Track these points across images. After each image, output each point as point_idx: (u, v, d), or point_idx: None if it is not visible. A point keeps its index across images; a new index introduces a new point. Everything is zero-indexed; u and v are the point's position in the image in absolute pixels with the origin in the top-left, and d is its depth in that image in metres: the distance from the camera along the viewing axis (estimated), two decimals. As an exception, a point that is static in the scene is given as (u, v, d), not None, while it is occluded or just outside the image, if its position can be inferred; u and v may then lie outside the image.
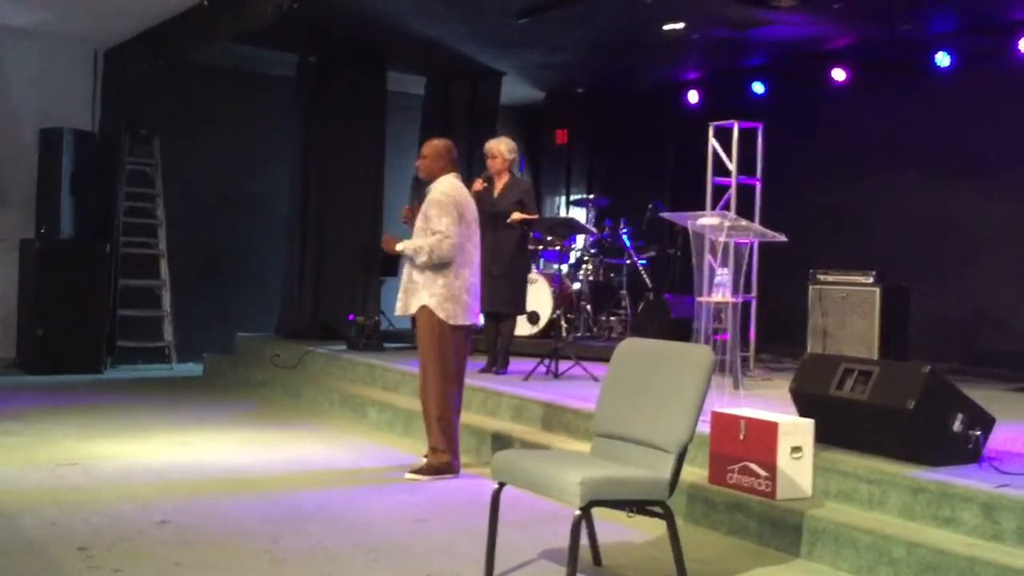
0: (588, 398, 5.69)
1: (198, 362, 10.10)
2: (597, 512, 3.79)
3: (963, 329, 8.24)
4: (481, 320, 6.74)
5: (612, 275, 9.63)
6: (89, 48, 10.26)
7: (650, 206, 9.21)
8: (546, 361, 7.28)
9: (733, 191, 7.25)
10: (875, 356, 7.07)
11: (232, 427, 7.09)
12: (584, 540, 3.85)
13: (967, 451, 4.46)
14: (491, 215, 6.94)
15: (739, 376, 6.60)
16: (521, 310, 7.58)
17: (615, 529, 4.49)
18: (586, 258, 9.45)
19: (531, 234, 7.81)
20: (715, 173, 7.41)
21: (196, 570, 3.90)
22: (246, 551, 4.16)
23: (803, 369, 5.08)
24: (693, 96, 10.31)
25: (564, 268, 9.13)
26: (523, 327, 8.46)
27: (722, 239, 6.28)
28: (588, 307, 9.31)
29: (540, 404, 6.26)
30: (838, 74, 8.95)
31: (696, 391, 3.74)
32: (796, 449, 4.51)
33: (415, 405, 5.79)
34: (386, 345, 9.01)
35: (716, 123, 7.45)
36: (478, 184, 6.98)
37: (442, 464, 5.56)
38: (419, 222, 5.63)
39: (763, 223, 6.81)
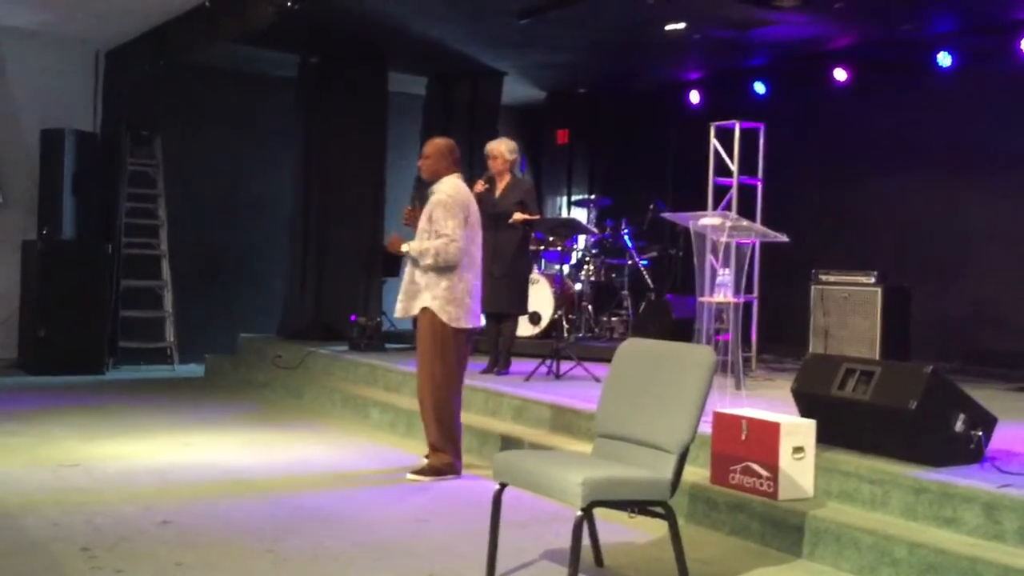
0: (590, 398, 5.69)
1: (200, 363, 10.11)
2: (599, 512, 3.79)
3: (965, 329, 8.24)
4: (482, 321, 6.74)
5: (613, 275, 9.63)
6: (90, 48, 10.27)
7: (651, 206, 9.21)
8: (548, 361, 7.28)
9: (734, 191, 7.25)
10: (877, 356, 7.07)
11: (234, 428, 7.09)
12: (586, 540, 3.85)
13: (969, 451, 4.46)
14: (492, 216, 6.93)
15: (741, 376, 6.60)
16: (523, 311, 7.58)
17: (617, 529, 4.49)
18: (587, 258, 9.45)
19: (532, 234, 7.82)
20: (716, 173, 7.41)
21: (198, 570, 3.91)
22: (248, 551, 4.17)
23: (805, 369, 5.08)
24: (694, 96, 10.31)
25: (565, 268, 9.13)
26: (525, 328, 8.47)
27: (723, 239, 6.28)
28: (589, 307, 9.31)
29: (542, 405, 6.26)
30: (839, 74, 8.95)
31: (698, 391, 3.74)
32: (798, 449, 4.51)
33: (417, 406, 5.79)
34: (388, 346, 9.01)
35: (717, 123, 7.45)
36: (480, 185, 6.98)
37: (444, 465, 5.56)
38: (422, 223, 5.59)
39: (764, 223, 6.80)
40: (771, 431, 4.51)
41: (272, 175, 10.66)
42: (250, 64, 10.30)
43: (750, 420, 4.64)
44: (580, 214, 11.18)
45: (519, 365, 7.41)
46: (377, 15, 8.41)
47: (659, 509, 3.75)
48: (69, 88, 10.18)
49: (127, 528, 4.42)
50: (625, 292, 9.55)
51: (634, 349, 4.19)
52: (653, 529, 4.41)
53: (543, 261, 9.36)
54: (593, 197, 10.97)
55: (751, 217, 6.99)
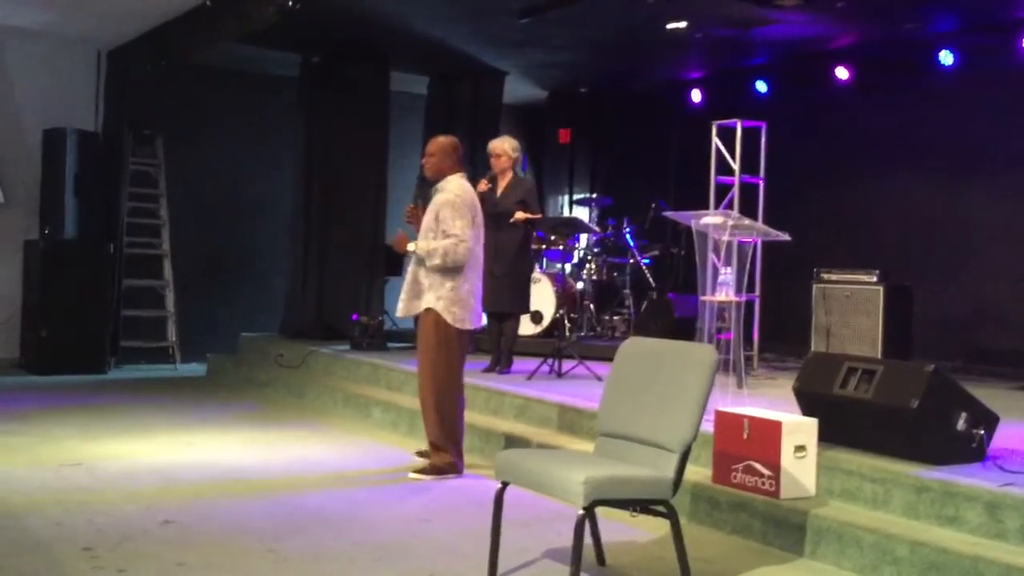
0: (592, 397, 5.69)
1: (202, 362, 10.11)
2: (601, 511, 3.79)
3: (967, 328, 8.23)
4: (484, 320, 6.74)
5: (615, 274, 9.63)
6: (92, 49, 10.28)
7: (653, 205, 9.20)
8: (550, 360, 7.28)
9: (736, 190, 7.25)
10: (879, 355, 7.07)
11: (236, 427, 7.10)
12: (588, 539, 3.85)
13: (971, 450, 4.46)
14: (494, 215, 6.93)
15: (743, 375, 6.60)
16: (524, 309, 7.58)
17: (619, 528, 4.49)
18: (589, 257, 9.44)
19: (534, 233, 7.81)
20: (718, 172, 7.40)
21: (199, 570, 3.91)
22: (249, 551, 4.17)
23: (807, 368, 5.07)
24: (696, 95, 10.31)
25: (567, 267, 9.13)
26: (527, 327, 8.46)
27: (725, 238, 6.28)
28: (591, 306, 9.31)
29: (544, 403, 6.26)
30: (841, 73, 8.94)
31: (700, 390, 3.74)
32: (800, 448, 4.50)
33: (418, 405, 5.79)
34: (390, 345, 9.01)
35: (719, 122, 7.44)
36: (483, 185, 6.97)
37: (446, 464, 5.56)
38: (427, 222, 5.56)
39: (766, 222, 6.80)
40: (773, 430, 4.51)
41: (274, 174, 10.66)
42: (252, 64, 10.30)
43: (752, 419, 4.63)
44: (582, 213, 11.18)
45: (521, 364, 7.41)
46: (378, 14, 8.41)
47: (661, 508, 3.75)
48: (71, 88, 10.18)
49: (129, 528, 4.42)
50: (627, 291, 9.55)
51: (636, 348, 4.19)
52: (655, 528, 4.41)
53: (545, 260, 9.35)
54: (595, 196, 10.97)
55: (753, 216, 6.99)
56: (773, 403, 5.40)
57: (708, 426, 4.62)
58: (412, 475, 5.56)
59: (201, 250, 10.54)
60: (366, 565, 4.05)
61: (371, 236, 9.96)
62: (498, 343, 7.40)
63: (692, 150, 8.47)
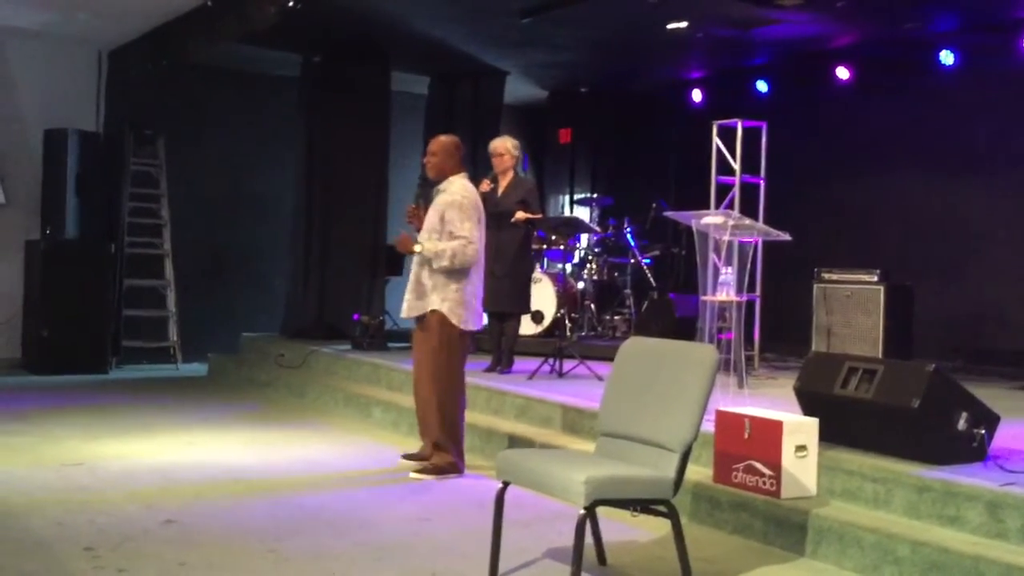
0: (592, 397, 5.69)
1: (203, 362, 10.12)
2: (601, 511, 3.79)
3: (967, 327, 8.23)
4: (485, 320, 6.74)
5: (616, 274, 9.63)
6: (93, 49, 10.28)
7: (654, 205, 9.20)
8: (550, 360, 7.28)
9: (737, 190, 7.25)
10: (879, 354, 7.07)
11: (237, 427, 7.10)
12: (588, 539, 3.85)
13: (972, 450, 4.46)
14: (495, 214, 6.93)
15: (743, 375, 6.60)
16: (525, 309, 7.58)
17: (619, 528, 4.49)
18: (590, 257, 9.45)
19: (535, 233, 7.81)
20: (719, 172, 7.40)
21: (201, 570, 3.91)
22: (250, 551, 4.17)
23: (807, 368, 5.07)
24: (697, 95, 10.31)
25: (568, 267, 9.13)
26: (527, 326, 8.47)
27: (726, 238, 6.28)
28: (592, 306, 9.31)
29: (544, 403, 6.26)
30: (842, 73, 8.94)
31: (700, 390, 3.74)
32: (801, 448, 4.51)
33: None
34: (390, 345, 9.01)
35: (720, 122, 7.44)
36: (486, 185, 6.98)
37: (446, 464, 5.56)
38: (431, 223, 5.53)
39: (767, 222, 6.80)
40: (774, 430, 4.51)
41: (275, 174, 10.67)
42: (253, 64, 10.30)
43: (753, 419, 4.63)
44: (583, 213, 11.18)
45: (522, 364, 7.41)
46: (379, 14, 8.42)
47: (662, 508, 3.75)
48: (72, 88, 10.19)
49: (130, 527, 4.43)
50: (628, 291, 9.55)
51: (637, 348, 4.19)
52: (656, 528, 4.41)
53: (546, 260, 9.36)
54: (595, 196, 10.97)
55: (753, 216, 6.99)
56: (774, 403, 5.40)
57: (709, 426, 4.62)
58: (413, 475, 5.56)
59: (202, 250, 10.54)
60: (367, 565, 4.05)
61: (372, 236, 9.96)
62: (499, 343, 7.40)
63: (693, 150, 8.47)
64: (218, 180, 10.62)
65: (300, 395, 8.39)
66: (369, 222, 9.99)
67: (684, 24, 8.20)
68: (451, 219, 5.46)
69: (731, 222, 6.21)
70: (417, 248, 5.50)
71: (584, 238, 9.69)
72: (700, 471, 4.86)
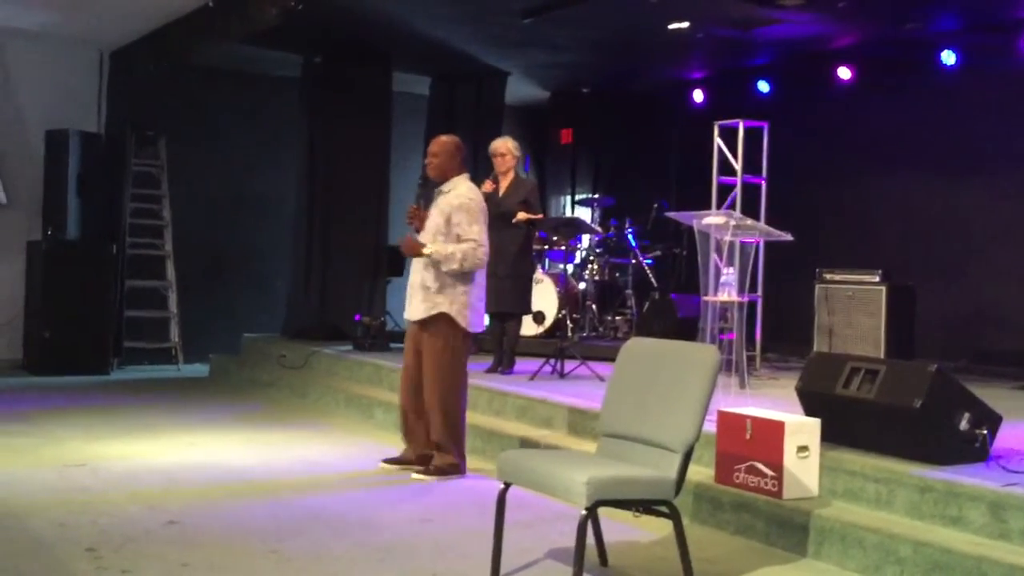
0: (594, 398, 5.69)
1: (204, 363, 10.12)
2: (603, 512, 3.79)
3: (969, 327, 8.23)
4: (487, 321, 6.73)
5: (618, 275, 9.63)
6: (95, 49, 10.29)
7: (655, 205, 9.20)
8: (552, 361, 7.28)
9: (738, 190, 7.24)
10: (881, 355, 7.07)
11: (239, 428, 7.10)
12: (590, 540, 3.85)
13: (974, 450, 4.46)
14: (496, 215, 6.92)
15: (745, 375, 6.60)
16: (527, 310, 7.58)
17: (621, 529, 4.49)
18: (591, 258, 9.45)
19: (536, 234, 7.80)
20: (720, 172, 7.40)
21: (203, 570, 3.91)
22: (253, 552, 4.17)
23: (809, 368, 5.07)
24: (698, 95, 10.30)
25: (570, 268, 9.13)
26: (529, 327, 8.46)
27: (727, 238, 6.28)
28: (594, 307, 9.31)
29: (546, 404, 6.26)
30: (843, 73, 8.93)
31: (702, 390, 3.73)
32: (803, 448, 4.50)
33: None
34: (392, 345, 9.00)
35: (721, 122, 7.44)
36: (488, 185, 6.98)
37: (448, 465, 5.56)
38: (436, 224, 5.50)
39: (768, 222, 6.80)
40: (776, 430, 4.51)
41: (276, 175, 10.67)
42: (254, 64, 10.31)
43: (755, 419, 4.63)
44: (584, 213, 11.18)
45: (523, 364, 7.41)
46: (380, 15, 8.42)
47: (664, 508, 3.75)
48: (73, 89, 10.19)
49: (133, 528, 4.43)
50: (629, 291, 9.55)
51: (638, 348, 4.19)
52: (658, 528, 4.41)
53: (547, 260, 9.36)
54: (597, 196, 10.96)
55: (755, 216, 6.98)
56: (776, 403, 5.40)
57: (710, 426, 4.61)
58: (415, 476, 5.56)
59: (204, 251, 10.55)
60: (369, 566, 4.05)
61: (373, 237, 9.96)
62: (500, 343, 7.39)
63: (694, 150, 8.47)
64: (219, 181, 10.62)
65: (302, 396, 8.39)
66: (370, 223, 9.99)
67: (685, 24, 8.20)
68: (459, 222, 5.45)
69: (733, 222, 6.21)
70: (427, 251, 5.47)
71: (585, 239, 9.69)
72: (702, 472, 4.86)
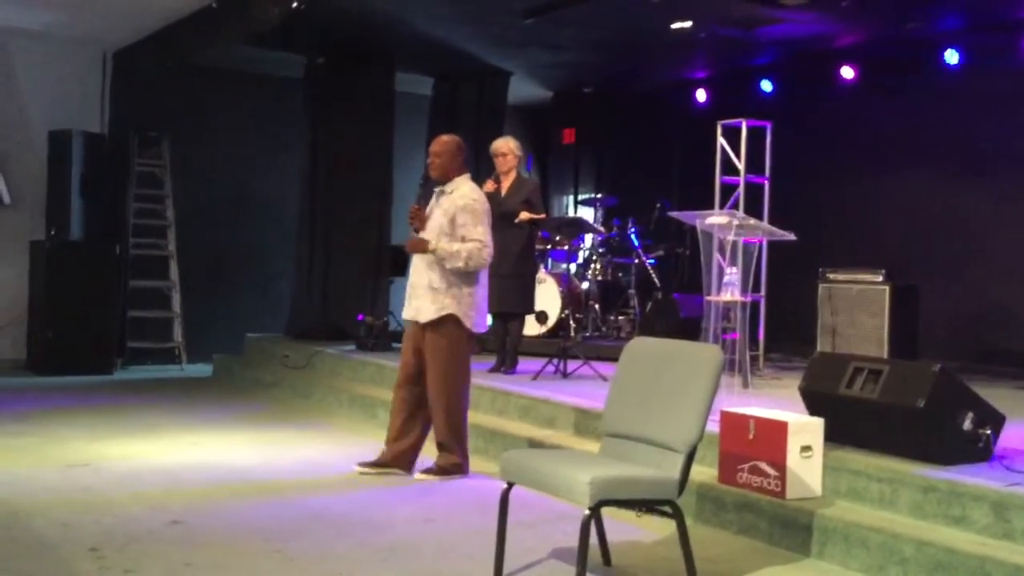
0: (597, 398, 5.69)
1: (207, 363, 10.13)
2: (606, 511, 3.79)
3: (973, 327, 8.22)
4: (490, 321, 6.73)
5: (620, 274, 9.63)
6: (98, 50, 10.29)
7: (658, 205, 9.20)
8: (555, 361, 7.27)
9: (741, 190, 7.24)
10: (885, 355, 7.06)
11: (242, 427, 7.11)
12: (593, 539, 3.85)
13: (977, 450, 4.45)
14: (499, 215, 6.91)
15: (748, 375, 6.59)
16: (529, 309, 7.58)
17: (624, 529, 4.48)
18: (594, 258, 9.44)
19: (539, 233, 7.80)
20: (723, 172, 7.39)
21: (207, 570, 3.92)
22: (256, 551, 4.18)
23: (812, 368, 5.07)
24: (701, 95, 10.29)
25: (572, 268, 9.13)
26: (532, 327, 8.46)
27: (731, 238, 6.28)
28: (596, 307, 9.31)
29: (549, 404, 6.26)
30: (846, 72, 8.92)
31: (705, 390, 3.73)
32: (806, 448, 4.50)
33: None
34: (395, 345, 8.98)
35: (724, 121, 7.43)
36: (491, 185, 6.97)
37: (451, 464, 5.56)
38: (440, 225, 5.48)
39: (772, 222, 6.80)
40: (779, 430, 4.51)
41: (279, 175, 10.68)
42: (257, 65, 10.32)
43: (758, 419, 4.63)
44: (586, 213, 11.17)
45: (526, 364, 7.41)
46: (382, 16, 8.42)
47: (667, 508, 3.75)
48: (77, 89, 10.20)
49: (136, 528, 4.43)
50: (632, 291, 9.55)
51: (641, 348, 4.18)
52: (661, 528, 4.41)
53: (550, 260, 9.36)
54: (599, 196, 10.96)
55: (758, 215, 6.98)
56: (779, 403, 5.39)
57: (713, 426, 4.61)
58: (418, 475, 5.56)
59: (207, 251, 10.56)
60: (372, 566, 4.05)
61: (376, 237, 9.96)
62: (503, 343, 7.39)
63: (697, 150, 8.46)
64: (222, 181, 10.63)
65: (305, 396, 8.39)
66: (373, 223, 9.99)
67: (688, 24, 8.19)
68: (464, 222, 5.45)
69: (735, 222, 6.21)
70: (432, 247, 5.44)
71: (588, 238, 9.69)
72: (705, 471, 4.86)
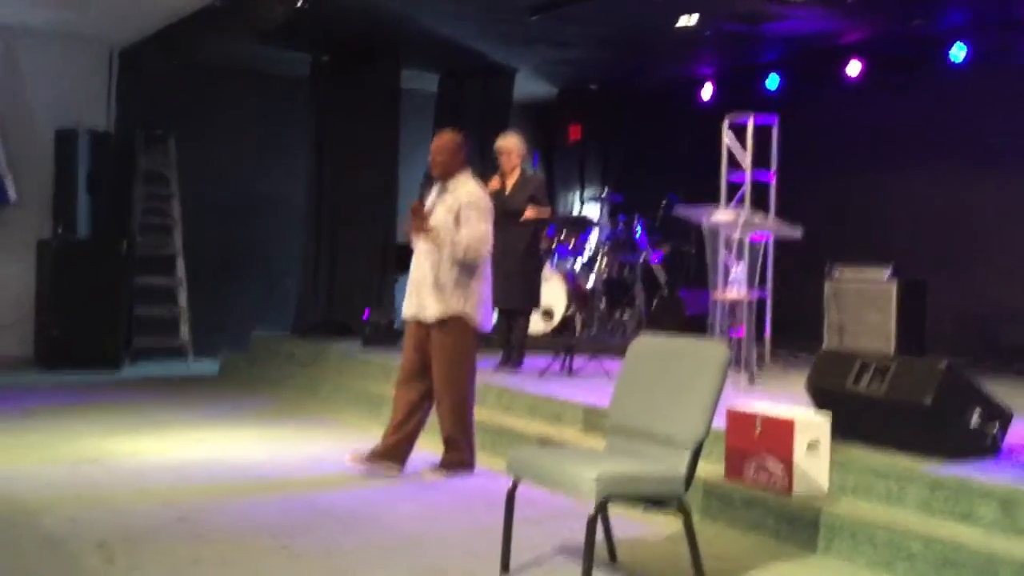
0: (603, 394, 5.68)
1: (214, 360, 10.14)
2: (612, 508, 3.79)
3: (980, 323, 8.20)
4: (495, 318, 6.73)
5: (626, 271, 9.62)
6: (104, 48, 10.30)
7: (664, 202, 9.19)
8: (561, 357, 7.27)
9: (748, 186, 7.23)
10: (892, 351, 7.04)
11: (249, 424, 7.12)
12: (600, 536, 3.85)
13: (985, 446, 4.44)
14: (504, 212, 6.91)
15: (754, 372, 6.59)
16: (535, 304, 7.57)
17: (631, 525, 4.48)
18: (600, 254, 9.44)
19: (545, 230, 7.79)
20: (730, 168, 7.38)
21: (214, 566, 3.92)
22: (263, 548, 4.18)
23: (819, 364, 5.06)
24: (707, 91, 10.28)
25: (578, 264, 9.13)
26: (538, 324, 8.46)
27: (737, 235, 6.27)
28: (602, 303, 9.30)
29: (555, 400, 6.26)
30: (853, 68, 8.91)
31: (711, 387, 3.73)
32: (813, 445, 4.49)
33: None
34: (400, 342, 9.00)
35: (731, 117, 7.41)
36: (495, 182, 6.97)
37: (458, 461, 5.56)
38: (445, 221, 5.47)
39: (778, 218, 6.78)
40: (785, 426, 4.50)
41: (285, 173, 10.69)
42: (263, 63, 10.32)
43: (764, 416, 4.63)
44: (593, 210, 11.17)
45: (532, 361, 7.41)
46: (388, 13, 8.42)
47: (673, 505, 3.75)
48: (83, 88, 10.21)
49: (143, 524, 4.44)
50: (638, 288, 9.54)
51: (647, 345, 4.18)
52: (667, 525, 4.41)
53: (556, 257, 9.36)
54: (605, 193, 10.97)
55: (764, 212, 6.97)
56: (785, 400, 5.38)
57: (720, 422, 4.61)
58: (424, 472, 5.56)
59: (213, 248, 10.57)
60: (378, 562, 4.06)
61: (382, 234, 9.97)
62: (508, 340, 7.39)
63: (703, 146, 8.44)
64: (228, 179, 10.64)
65: (311, 393, 8.40)
66: (379, 220, 10.00)
67: (694, 21, 8.18)
68: (469, 219, 5.45)
69: (742, 218, 6.20)
70: (432, 224, 5.40)
71: (594, 235, 9.69)
72: (711, 468, 4.85)
